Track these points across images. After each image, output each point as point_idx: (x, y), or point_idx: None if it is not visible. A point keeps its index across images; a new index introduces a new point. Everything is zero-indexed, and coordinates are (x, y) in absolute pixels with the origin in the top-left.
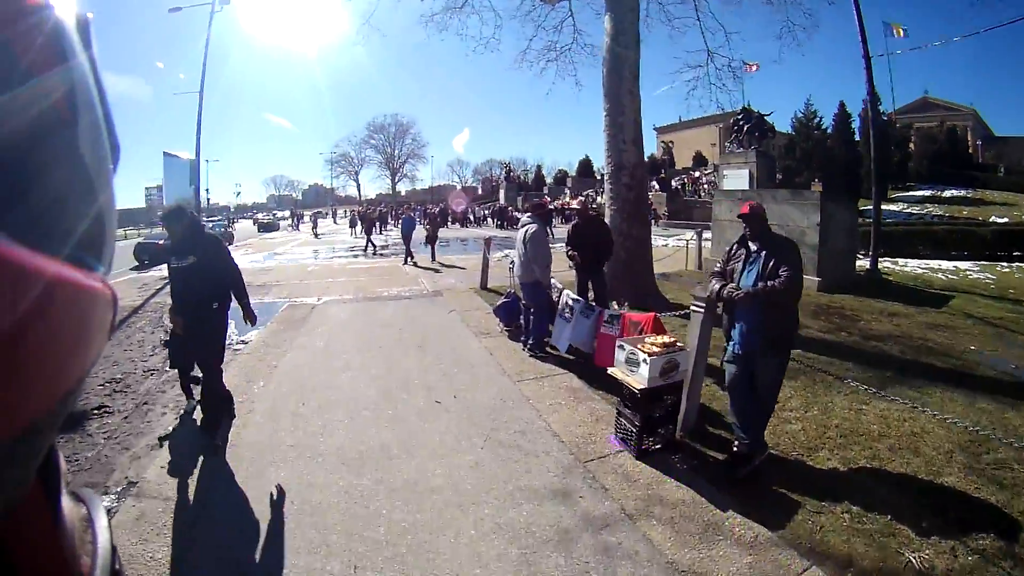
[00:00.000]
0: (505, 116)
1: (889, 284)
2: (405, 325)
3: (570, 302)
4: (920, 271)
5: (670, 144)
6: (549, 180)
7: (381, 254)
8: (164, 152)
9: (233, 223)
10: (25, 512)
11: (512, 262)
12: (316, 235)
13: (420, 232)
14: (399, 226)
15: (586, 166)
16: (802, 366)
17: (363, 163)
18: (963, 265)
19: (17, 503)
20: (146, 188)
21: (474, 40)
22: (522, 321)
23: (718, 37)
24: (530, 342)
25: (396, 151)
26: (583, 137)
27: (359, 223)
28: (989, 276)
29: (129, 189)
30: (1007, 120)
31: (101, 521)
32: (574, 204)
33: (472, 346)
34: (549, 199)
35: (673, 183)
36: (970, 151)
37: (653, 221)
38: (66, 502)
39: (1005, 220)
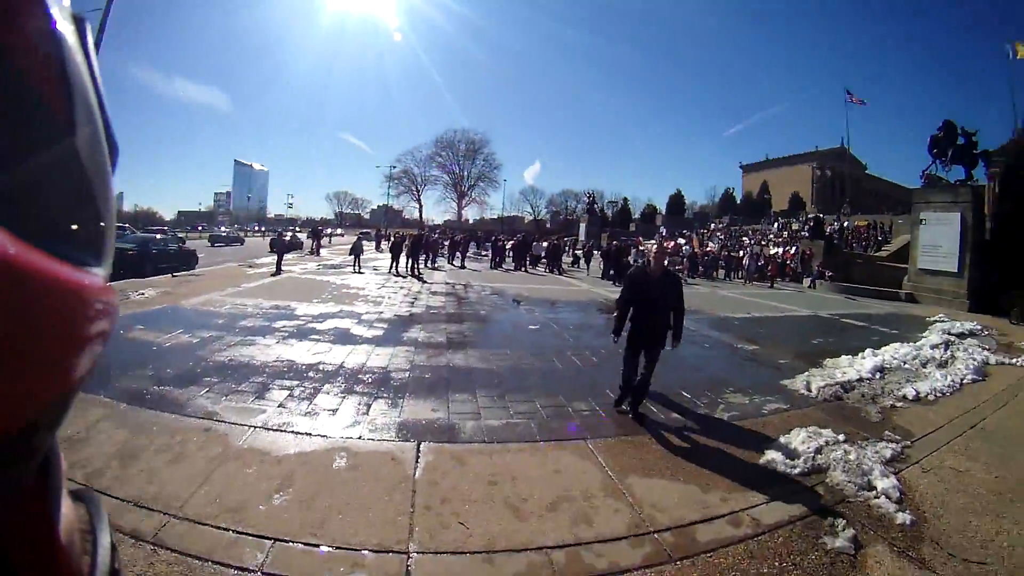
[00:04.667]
0: (579, 148)
1: None
2: None
3: None
4: None
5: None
6: (636, 216)
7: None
8: (235, 160)
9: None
10: (25, 511)
11: None
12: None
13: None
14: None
15: (677, 202)
16: None
17: (427, 183)
18: None
19: (16, 501)
20: (215, 193)
21: None
22: None
23: None
24: None
25: (466, 172)
26: (669, 173)
27: (402, 250)
28: None
29: (202, 193)
30: None
31: (101, 521)
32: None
33: None
34: (642, 239)
35: (827, 229)
36: None
37: (813, 283)
38: (66, 502)
39: None
